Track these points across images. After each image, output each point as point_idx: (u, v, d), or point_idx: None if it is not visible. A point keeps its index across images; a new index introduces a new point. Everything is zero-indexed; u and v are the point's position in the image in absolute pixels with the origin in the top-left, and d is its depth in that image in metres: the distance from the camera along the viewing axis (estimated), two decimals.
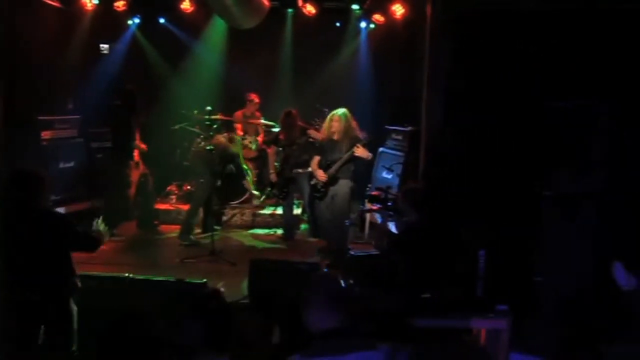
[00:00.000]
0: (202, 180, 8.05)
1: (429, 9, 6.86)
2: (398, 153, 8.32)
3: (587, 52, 5.73)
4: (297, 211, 8.43)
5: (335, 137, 6.91)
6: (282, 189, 7.99)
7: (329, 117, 7.04)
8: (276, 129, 9.38)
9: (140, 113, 7.91)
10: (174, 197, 9.32)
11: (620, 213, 4.92)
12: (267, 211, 8.92)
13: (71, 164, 8.37)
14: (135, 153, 7.79)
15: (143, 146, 7.92)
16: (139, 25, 10.28)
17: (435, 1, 6.58)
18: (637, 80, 5.22)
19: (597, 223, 4.78)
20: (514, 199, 5.61)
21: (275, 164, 8.22)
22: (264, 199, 9.29)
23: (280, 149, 8.13)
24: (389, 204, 6.32)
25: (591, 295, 4.73)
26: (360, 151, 6.76)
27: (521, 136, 5.71)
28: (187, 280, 4.67)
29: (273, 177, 8.17)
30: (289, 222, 8.15)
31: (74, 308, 4.36)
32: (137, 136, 7.85)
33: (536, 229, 5.22)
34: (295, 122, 7.88)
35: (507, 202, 5.66)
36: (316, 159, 7.14)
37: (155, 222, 8.43)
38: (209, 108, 7.62)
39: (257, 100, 9.61)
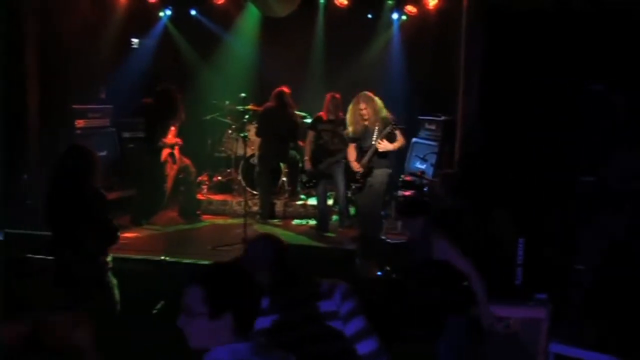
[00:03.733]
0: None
1: (465, 0, 6.83)
2: (432, 143, 8.25)
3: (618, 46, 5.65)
4: (329, 202, 8.31)
5: (367, 123, 6.77)
6: (312, 178, 7.88)
7: (354, 104, 6.81)
8: (308, 120, 9.31)
9: (178, 112, 7.83)
10: (205, 187, 9.34)
11: None
12: (299, 202, 8.87)
13: (104, 153, 8.39)
14: (166, 151, 7.75)
15: (178, 140, 7.89)
16: (170, 17, 10.34)
17: None
18: None
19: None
20: (553, 185, 5.52)
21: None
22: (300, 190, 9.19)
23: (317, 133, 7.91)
24: (425, 189, 6.20)
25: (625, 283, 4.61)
26: (383, 146, 6.63)
27: (557, 122, 5.63)
28: None
29: (307, 164, 8.02)
30: (322, 213, 7.87)
31: (114, 280, 4.41)
32: (174, 132, 7.84)
33: (577, 216, 5.11)
34: (339, 106, 7.68)
35: (546, 189, 5.57)
36: (351, 146, 7.00)
37: (198, 212, 8.45)
38: (243, 95, 7.55)
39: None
